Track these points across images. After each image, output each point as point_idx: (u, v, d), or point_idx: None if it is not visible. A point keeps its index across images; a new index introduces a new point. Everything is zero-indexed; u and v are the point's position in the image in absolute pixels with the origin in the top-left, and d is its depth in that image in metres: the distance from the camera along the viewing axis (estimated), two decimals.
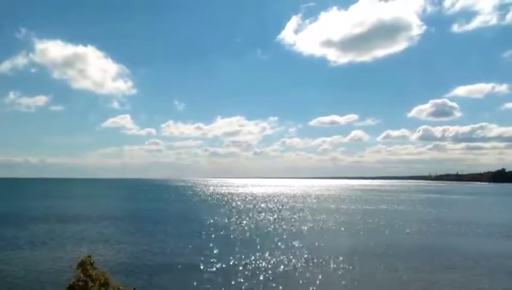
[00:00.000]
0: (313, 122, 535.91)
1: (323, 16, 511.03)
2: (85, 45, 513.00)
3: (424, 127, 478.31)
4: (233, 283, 21.60)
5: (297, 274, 23.48)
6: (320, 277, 22.79)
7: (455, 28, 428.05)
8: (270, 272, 23.92)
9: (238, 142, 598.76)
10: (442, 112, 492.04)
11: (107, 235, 37.82)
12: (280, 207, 74.00)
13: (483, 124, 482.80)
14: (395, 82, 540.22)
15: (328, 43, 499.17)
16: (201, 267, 25.02)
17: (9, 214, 57.54)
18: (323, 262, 26.55)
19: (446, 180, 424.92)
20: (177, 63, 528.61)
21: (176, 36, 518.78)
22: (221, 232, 39.65)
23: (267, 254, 28.84)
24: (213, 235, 37.60)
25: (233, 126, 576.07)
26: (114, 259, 27.13)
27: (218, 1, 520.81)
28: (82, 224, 46.04)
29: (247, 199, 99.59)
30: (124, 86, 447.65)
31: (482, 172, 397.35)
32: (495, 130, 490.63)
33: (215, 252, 29.59)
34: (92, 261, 6.08)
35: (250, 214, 58.91)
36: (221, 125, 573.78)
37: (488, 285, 21.81)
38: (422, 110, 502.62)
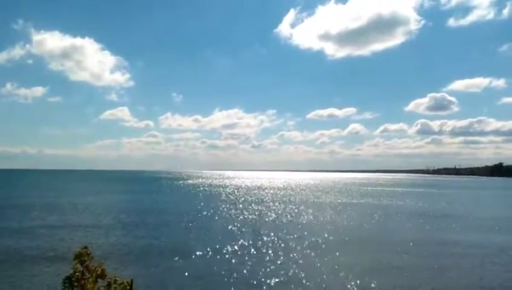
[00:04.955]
0: (311, 116, 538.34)
1: (321, 9, 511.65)
2: (83, 36, 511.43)
3: (422, 121, 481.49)
4: (227, 270, 21.56)
5: (280, 264, 23.46)
6: (304, 267, 22.78)
7: (452, 22, 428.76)
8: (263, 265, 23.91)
9: (236, 135, 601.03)
10: (440, 106, 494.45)
11: (103, 226, 37.70)
12: (273, 199, 74.04)
13: (481, 118, 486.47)
14: (393, 76, 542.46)
15: (326, 37, 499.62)
16: (198, 257, 25.02)
17: (2, 205, 57.40)
18: (308, 253, 26.54)
19: (444, 174, 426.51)
20: (175, 56, 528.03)
21: (173, 29, 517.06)
22: (216, 223, 39.68)
23: (255, 244, 28.88)
24: (208, 226, 37.72)
25: (232, 119, 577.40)
26: (110, 250, 27.02)
27: None
28: (77, 215, 45.92)
29: (242, 192, 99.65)
30: (121, 78, 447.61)
31: (479, 166, 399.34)
32: (492, 124, 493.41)
33: (210, 242, 29.56)
34: (88, 253, 5.89)
35: (242, 206, 58.90)
36: (219, 117, 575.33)
37: (478, 278, 21.84)
38: (420, 104, 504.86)
